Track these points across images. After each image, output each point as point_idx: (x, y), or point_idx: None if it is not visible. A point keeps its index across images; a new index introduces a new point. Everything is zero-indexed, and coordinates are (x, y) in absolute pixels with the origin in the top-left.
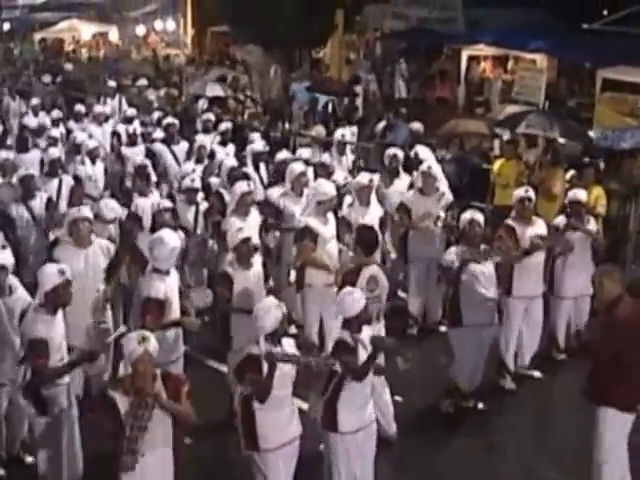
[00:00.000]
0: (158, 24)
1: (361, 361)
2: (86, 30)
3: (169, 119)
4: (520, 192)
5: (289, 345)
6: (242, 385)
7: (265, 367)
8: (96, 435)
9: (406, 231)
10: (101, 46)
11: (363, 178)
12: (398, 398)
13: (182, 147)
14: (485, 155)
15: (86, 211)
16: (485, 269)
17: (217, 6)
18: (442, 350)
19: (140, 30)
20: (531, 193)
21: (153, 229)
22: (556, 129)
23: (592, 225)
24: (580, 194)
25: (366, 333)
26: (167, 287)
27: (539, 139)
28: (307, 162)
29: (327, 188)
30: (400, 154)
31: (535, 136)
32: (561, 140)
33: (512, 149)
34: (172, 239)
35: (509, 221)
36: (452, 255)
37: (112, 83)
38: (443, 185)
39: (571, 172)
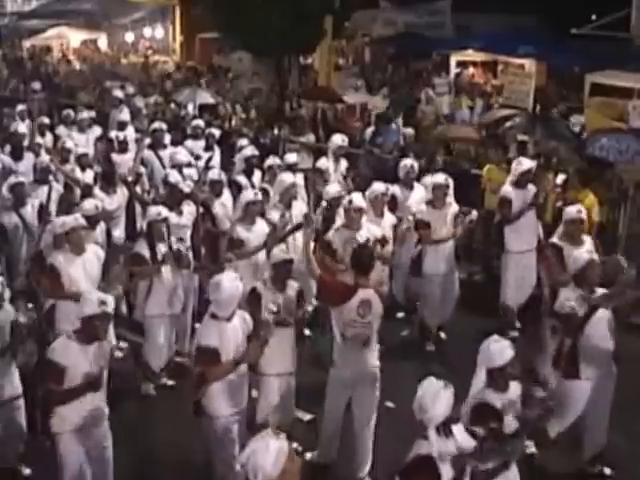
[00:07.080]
0: (147, 31)
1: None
2: (75, 37)
3: (156, 125)
4: (572, 212)
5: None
6: None
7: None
8: None
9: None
10: (90, 53)
11: (379, 187)
12: (390, 404)
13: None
14: (475, 160)
15: (81, 219)
16: (606, 314)
17: (206, 13)
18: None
19: (129, 37)
20: (584, 214)
21: (149, 237)
22: (538, 131)
23: (589, 245)
24: (576, 211)
25: (513, 391)
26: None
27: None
28: (292, 167)
29: (285, 177)
30: (416, 165)
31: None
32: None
33: (503, 154)
34: None
35: (556, 240)
36: (571, 301)
37: (119, 93)
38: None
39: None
